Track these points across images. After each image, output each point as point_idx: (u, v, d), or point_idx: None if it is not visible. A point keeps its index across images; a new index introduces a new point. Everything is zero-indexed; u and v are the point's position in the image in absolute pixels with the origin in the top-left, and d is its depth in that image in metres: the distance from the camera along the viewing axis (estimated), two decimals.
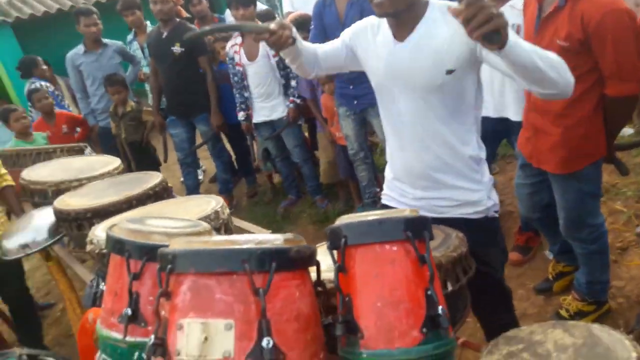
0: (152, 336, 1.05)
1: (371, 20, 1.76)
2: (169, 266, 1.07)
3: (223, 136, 4.50)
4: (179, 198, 2.68)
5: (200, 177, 5.15)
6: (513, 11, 2.54)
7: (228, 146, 4.71)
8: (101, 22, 4.55)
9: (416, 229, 1.04)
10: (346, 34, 1.82)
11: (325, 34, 3.18)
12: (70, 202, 2.37)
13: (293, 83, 3.85)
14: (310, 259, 1.11)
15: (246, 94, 3.96)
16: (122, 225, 1.40)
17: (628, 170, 2.39)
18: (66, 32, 4.57)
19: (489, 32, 1.19)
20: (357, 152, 3.55)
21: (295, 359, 1.00)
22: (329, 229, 1.12)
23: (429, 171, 1.70)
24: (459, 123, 1.65)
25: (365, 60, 1.77)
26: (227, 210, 2.07)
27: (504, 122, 2.79)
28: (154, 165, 4.50)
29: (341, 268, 1.06)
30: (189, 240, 1.11)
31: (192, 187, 4.38)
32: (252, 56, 3.82)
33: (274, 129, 3.99)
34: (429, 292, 1.00)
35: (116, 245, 1.34)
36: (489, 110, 2.77)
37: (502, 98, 2.73)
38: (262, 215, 4.26)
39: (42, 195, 2.78)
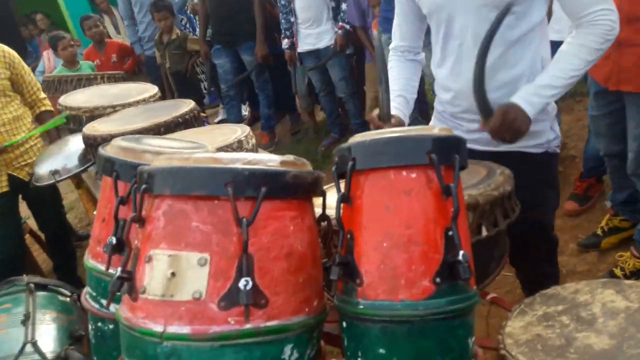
0: (119, 268, 0.89)
1: None
2: (144, 186, 0.90)
3: None
4: (207, 127, 2.54)
5: (245, 112, 5.00)
6: None
7: None
8: None
9: (445, 151, 0.81)
10: None
11: None
12: (99, 127, 2.31)
13: (344, 6, 3.53)
14: (313, 186, 0.91)
15: (292, 19, 3.67)
16: (115, 142, 1.24)
17: None
18: None
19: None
20: None
21: (281, 305, 0.81)
22: (337, 150, 0.90)
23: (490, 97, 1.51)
24: (525, 45, 1.50)
25: None
26: (253, 141, 1.92)
27: None
28: (198, 96, 4.37)
29: (345, 198, 0.85)
30: (170, 157, 0.93)
31: (233, 122, 4.22)
32: None
33: (319, 59, 3.72)
34: (450, 233, 0.78)
35: (106, 164, 1.19)
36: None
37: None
38: (304, 153, 4.05)
39: (77, 120, 2.73)
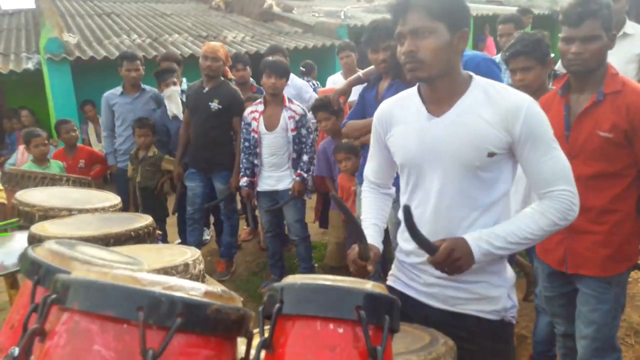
0: None
1: (389, 104, 1.67)
2: (54, 296, 0.83)
3: None
4: (159, 245, 2.46)
5: (207, 237, 4.93)
6: None
7: None
8: (144, 68, 4.60)
9: (375, 309, 0.77)
10: (374, 131, 1.71)
11: (364, 111, 3.06)
12: (48, 228, 2.23)
13: (305, 158, 3.76)
14: (237, 325, 0.84)
15: (255, 161, 3.85)
16: (47, 245, 1.18)
17: None
18: (120, 77, 4.64)
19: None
20: None
21: None
22: (268, 288, 0.86)
23: None
24: (488, 210, 1.52)
25: (392, 141, 1.63)
26: (200, 266, 1.85)
27: None
28: (162, 215, 4.32)
29: (266, 344, 0.79)
30: (89, 269, 0.87)
31: (193, 245, 4.13)
32: (271, 126, 3.74)
33: (275, 201, 3.83)
34: None
35: (29, 266, 1.11)
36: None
37: (526, 205, 2.46)
38: (257, 287, 3.95)
39: (29, 218, 2.63)
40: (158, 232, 2.88)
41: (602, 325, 2.04)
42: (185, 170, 4.26)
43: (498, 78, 2.76)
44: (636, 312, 2.88)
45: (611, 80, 1.97)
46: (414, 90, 1.60)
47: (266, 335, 0.80)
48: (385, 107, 1.67)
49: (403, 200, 1.65)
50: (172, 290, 0.79)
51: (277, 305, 0.79)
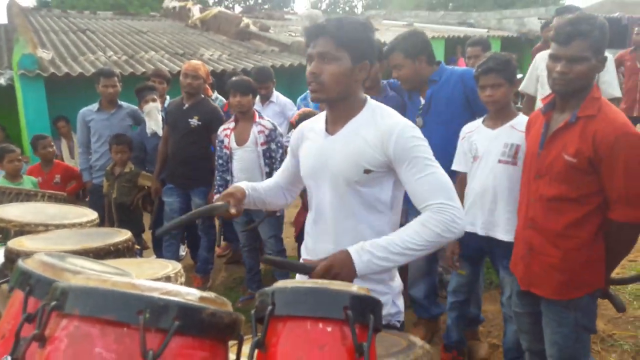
0: None
1: (306, 122, 1.84)
2: (54, 303, 0.86)
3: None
4: (138, 259, 2.48)
5: (183, 253, 4.93)
6: (513, 131, 2.50)
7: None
8: (121, 85, 4.62)
9: (361, 309, 0.83)
10: (291, 142, 1.87)
11: None
12: (26, 243, 2.22)
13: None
14: (230, 328, 0.89)
15: (228, 177, 3.89)
16: (37, 256, 1.20)
17: (624, 306, 2.20)
18: (94, 93, 4.65)
19: None
20: None
21: None
22: (259, 293, 0.91)
23: None
24: (373, 222, 1.64)
25: (300, 153, 1.79)
26: (182, 279, 1.89)
27: (491, 241, 2.62)
28: (138, 230, 4.31)
29: (259, 344, 0.84)
30: (88, 277, 0.91)
31: None
32: (241, 141, 3.80)
33: (250, 217, 3.86)
34: None
35: (21, 277, 1.14)
36: (477, 227, 2.62)
37: (492, 216, 2.57)
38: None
39: (5, 233, 2.61)
40: (136, 247, 2.89)
41: (564, 347, 2.06)
42: (163, 186, 4.28)
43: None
44: (602, 320, 2.99)
45: (589, 103, 1.92)
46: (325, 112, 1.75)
47: (259, 336, 0.85)
48: (303, 124, 1.85)
49: (309, 209, 1.79)
50: (169, 295, 0.84)
51: (269, 307, 0.84)
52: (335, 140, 1.64)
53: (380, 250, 1.44)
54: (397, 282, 1.72)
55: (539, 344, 2.29)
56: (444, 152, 2.90)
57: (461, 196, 2.69)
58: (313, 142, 1.72)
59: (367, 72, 1.61)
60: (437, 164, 1.54)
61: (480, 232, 2.61)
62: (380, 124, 1.57)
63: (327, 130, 1.68)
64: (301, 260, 1.80)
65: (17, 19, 9.63)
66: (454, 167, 2.78)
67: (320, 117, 1.76)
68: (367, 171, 1.56)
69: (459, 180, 2.76)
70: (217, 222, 4.36)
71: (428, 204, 1.49)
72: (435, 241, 1.46)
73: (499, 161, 2.53)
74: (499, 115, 2.57)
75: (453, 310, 2.90)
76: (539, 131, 2.08)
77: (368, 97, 1.68)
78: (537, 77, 3.95)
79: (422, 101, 2.98)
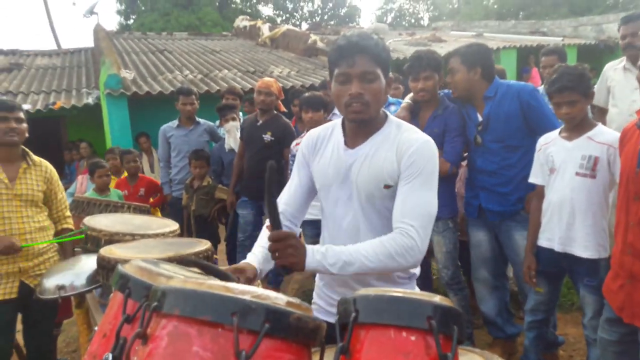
0: None
1: (317, 132, 1.79)
2: (155, 304, 0.94)
3: None
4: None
5: None
6: (590, 142, 2.41)
7: None
8: (198, 103, 4.86)
9: (444, 320, 0.84)
10: (299, 155, 1.82)
11: None
12: (116, 251, 2.38)
13: None
14: (314, 333, 0.93)
15: None
16: (134, 262, 1.30)
17: None
18: (172, 110, 4.94)
19: (281, 266, 1.44)
20: None
21: None
22: (341, 300, 0.94)
23: (359, 279, 1.65)
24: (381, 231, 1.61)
25: (317, 166, 1.74)
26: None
27: (569, 258, 2.52)
28: (214, 241, 4.48)
29: (344, 350, 0.87)
30: (185, 280, 0.98)
31: None
32: None
33: (319, 229, 3.88)
34: None
35: (120, 280, 1.23)
36: (554, 242, 2.53)
37: (570, 231, 2.48)
38: None
39: (95, 242, 2.81)
40: (215, 256, 3.01)
41: None
42: (238, 199, 4.43)
43: (543, 104, 2.81)
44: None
45: None
46: (338, 122, 1.73)
47: (343, 342, 0.88)
48: (313, 135, 1.79)
49: (324, 221, 1.78)
50: (260, 299, 0.89)
51: (353, 314, 0.88)
52: (356, 155, 1.63)
53: (333, 256, 1.45)
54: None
55: None
56: (502, 169, 2.85)
57: (539, 210, 2.64)
58: (332, 152, 1.69)
59: (392, 86, 1.65)
60: (434, 188, 1.53)
61: (557, 248, 2.52)
62: (401, 138, 1.57)
63: (346, 143, 1.67)
64: (316, 279, 1.84)
65: (103, 42, 10.34)
66: (530, 180, 2.71)
67: (333, 129, 1.74)
68: (387, 186, 1.56)
69: (537, 192, 2.69)
70: None
71: (400, 224, 1.49)
72: (386, 261, 1.45)
73: (577, 174, 2.44)
74: (576, 126, 2.49)
75: (531, 330, 2.80)
76: (636, 148, 1.97)
77: (388, 112, 1.68)
78: (607, 88, 3.77)
79: (479, 117, 2.93)
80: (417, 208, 1.49)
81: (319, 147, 1.75)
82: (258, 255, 1.69)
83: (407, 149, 1.54)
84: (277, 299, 0.92)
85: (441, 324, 0.83)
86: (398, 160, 1.55)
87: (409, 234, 1.46)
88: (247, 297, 0.88)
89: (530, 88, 2.87)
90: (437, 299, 0.90)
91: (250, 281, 1.61)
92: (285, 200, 1.81)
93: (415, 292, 0.93)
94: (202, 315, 0.87)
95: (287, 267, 1.44)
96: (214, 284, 0.93)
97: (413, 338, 0.84)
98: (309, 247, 1.46)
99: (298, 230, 1.84)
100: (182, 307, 0.89)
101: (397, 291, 0.91)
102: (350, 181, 1.63)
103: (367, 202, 1.61)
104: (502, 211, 2.90)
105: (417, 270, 1.71)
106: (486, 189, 2.94)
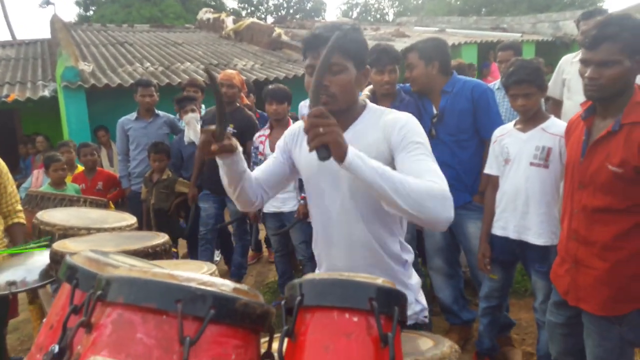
0: None
1: (300, 123, 1.76)
2: (99, 292, 0.93)
3: None
4: (175, 260, 2.56)
5: (217, 258, 5.04)
6: (544, 134, 2.50)
7: None
8: (158, 95, 4.78)
9: (386, 301, 0.87)
10: (281, 141, 1.81)
11: None
12: (70, 245, 2.32)
13: None
14: (261, 319, 0.94)
15: None
16: (83, 253, 1.28)
17: None
18: (132, 103, 4.84)
19: (317, 146, 1.29)
20: None
21: None
22: (288, 285, 0.96)
23: (354, 271, 1.57)
24: (384, 224, 1.63)
25: (299, 158, 1.73)
26: None
27: (523, 245, 2.61)
28: (176, 235, 4.43)
29: (289, 332, 0.88)
30: (130, 269, 0.98)
31: None
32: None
33: (281, 222, 3.92)
34: None
35: (67, 271, 1.22)
36: (509, 230, 2.61)
37: (524, 220, 2.56)
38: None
39: (50, 236, 2.74)
40: (174, 249, 2.98)
41: None
42: (199, 192, 4.39)
43: (491, 105, 2.89)
44: None
45: (633, 109, 1.84)
46: None
47: (288, 325, 0.90)
48: (298, 125, 1.78)
49: (313, 215, 1.74)
50: (205, 286, 0.89)
51: (298, 297, 0.89)
52: None
53: (372, 163, 1.36)
54: (415, 279, 1.71)
55: (570, 357, 2.25)
56: (453, 162, 2.92)
57: (493, 200, 2.71)
58: None
59: (368, 77, 1.63)
60: (435, 161, 1.50)
61: (512, 236, 2.60)
62: (384, 120, 1.57)
63: None
64: (317, 271, 1.83)
65: (60, 33, 10.04)
66: (485, 171, 2.78)
67: None
68: None
69: (491, 183, 2.76)
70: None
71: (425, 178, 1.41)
72: (430, 200, 1.35)
73: (531, 164, 2.52)
74: (530, 118, 2.57)
75: (485, 316, 2.88)
76: (580, 138, 2.01)
77: (367, 100, 1.69)
78: (562, 81, 3.90)
79: (435, 110, 2.99)
80: (433, 171, 1.43)
81: (302, 138, 1.70)
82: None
83: (393, 125, 1.54)
84: (224, 285, 0.92)
85: (382, 305, 0.86)
86: (387, 138, 1.54)
87: (439, 184, 1.38)
88: (192, 284, 0.88)
89: (483, 87, 2.95)
90: (379, 281, 0.93)
91: (230, 148, 1.55)
92: (260, 171, 1.78)
93: (359, 275, 0.95)
94: (146, 302, 0.87)
95: (328, 148, 1.29)
96: (158, 272, 0.93)
97: (355, 319, 0.86)
98: (352, 148, 1.34)
99: (259, 202, 1.76)
100: (127, 295, 0.89)
101: (341, 274, 0.93)
102: (334, 170, 1.56)
103: (356, 191, 1.59)
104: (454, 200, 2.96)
105: (409, 258, 1.70)
106: None
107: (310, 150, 1.31)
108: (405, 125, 1.53)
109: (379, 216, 1.59)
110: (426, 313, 1.69)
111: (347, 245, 1.64)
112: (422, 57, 2.92)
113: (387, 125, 1.56)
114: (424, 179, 1.38)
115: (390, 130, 1.54)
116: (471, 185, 2.96)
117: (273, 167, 1.77)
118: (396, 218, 1.64)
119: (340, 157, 1.32)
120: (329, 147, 1.29)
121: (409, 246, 1.72)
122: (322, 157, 1.31)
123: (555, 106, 3.98)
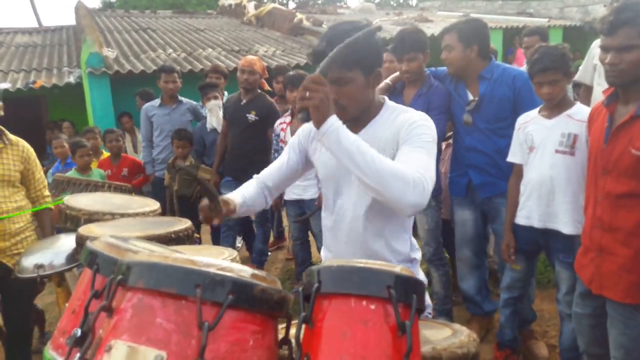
0: (77, 355, 0.90)
1: None
2: (120, 277, 0.94)
3: None
4: (197, 245, 2.59)
5: (239, 244, 5.07)
6: (570, 120, 2.44)
7: None
8: (181, 81, 4.80)
9: (404, 289, 0.86)
10: (295, 139, 1.82)
11: None
12: (95, 230, 2.37)
13: None
14: (279, 305, 0.95)
15: None
16: (103, 238, 1.30)
17: None
18: (155, 89, 4.87)
19: (302, 108, 1.39)
20: None
21: None
22: (306, 272, 0.96)
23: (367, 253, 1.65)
24: (394, 221, 1.65)
25: (315, 157, 1.76)
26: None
27: (548, 234, 2.55)
28: (197, 221, 4.46)
29: (307, 319, 0.88)
30: (150, 254, 0.99)
31: None
32: None
33: (302, 209, 3.91)
34: None
35: (88, 256, 1.24)
36: (533, 220, 2.56)
37: (550, 208, 2.51)
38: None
39: (75, 221, 2.79)
40: (196, 235, 3.02)
41: (632, 349, 1.97)
42: (222, 179, 4.42)
43: (533, 93, 2.81)
44: None
45: None
46: None
47: (305, 312, 0.90)
48: (310, 124, 1.74)
49: (326, 206, 1.76)
50: (224, 271, 0.90)
51: (316, 284, 0.89)
52: None
53: (353, 138, 1.39)
54: (421, 277, 1.72)
55: (598, 348, 2.21)
56: (489, 149, 2.87)
57: (517, 189, 2.66)
58: None
59: (381, 78, 1.63)
60: (433, 156, 1.51)
61: (537, 225, 2.55)
62: (398, 119, 1.58)
63: None
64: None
65: (85, 20, 10.15)
66: (509, 159, 2.73)
67: None
68: None
69: (515, 172, 2.71)
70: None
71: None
72: (396, 181, 1.35)
73: (556, 151, 2.47)
74: (556, 105, 2.51)
75: (507, 307, 2.84)
76: (603, 125, 1.99)
77: (386, 98, 1.69)
78: (594, 67, 3.79)
79: (470, 96, 2.93)
80: (421, 164, 1.44)
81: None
82: (241, 194, 1.74)
83: (404, 123, 1.55)
84: (242, 271, 0.93)
85: (400, 293, 0.85)
86: (396, 138, 1.55)
87: (420, 173, 1.39)
88: (211, 270, 0.89)
89: (525, 76, 2.86)
90: (397, 269, 0.92)
91: (230, 213, 1.65)
92: (267, 173, 1.83)
93: (377, 262, 0.94)
94: (166, 287, 0.88)
95: (309, 111, 1.39)
96: (179, 257, 0.94)
97: (373, 307, 0.85)
98: (336, 118, 1.40)
99: (269, 203, 1.83)
100: (147, 280, 0.90)
101: (359, 262, 0.93)
102: (348, 172, 1.58)
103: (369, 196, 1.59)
104: (493, 186, 2.92)
105: (418, 255, 1.74)
106: (476, 167, 2.95)
107: (297, 111, 1.42)
108: (414, 123, 1.54)
109: (390, 219, 1.63)
110: (430, 310, 1.71)
111: (357, 241, 1.66)
112: (461, 39, 2.83)
113: (399, 125, 1.57)
114: (403, 165, 1.41)
115: (401, 127, 1.56)
116: (509, 173, 2.91)
117: (287, 166, 1.81)
118: (406, 219, 1.68)
119: (317, 122, 1.40)
120: (308, 110, 1.39)
121: (417, 244, 1.75)
122: (301, 119, 1.42)
123: (587, 92, 3.88)
